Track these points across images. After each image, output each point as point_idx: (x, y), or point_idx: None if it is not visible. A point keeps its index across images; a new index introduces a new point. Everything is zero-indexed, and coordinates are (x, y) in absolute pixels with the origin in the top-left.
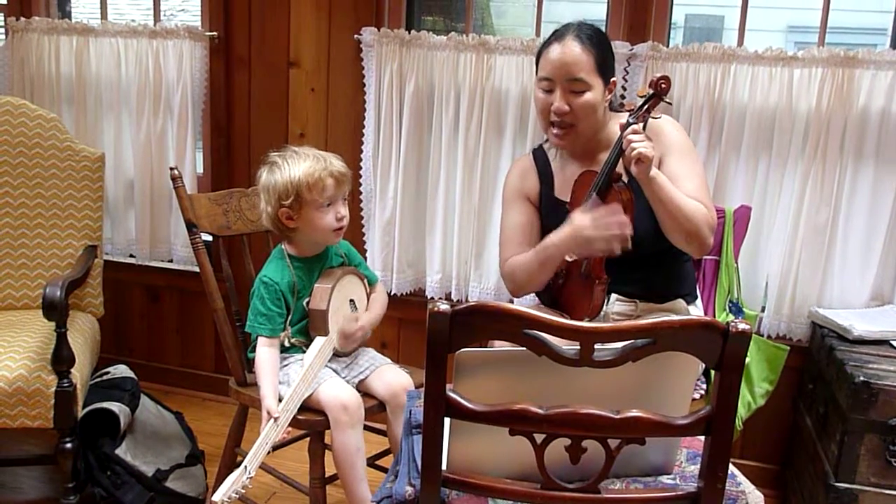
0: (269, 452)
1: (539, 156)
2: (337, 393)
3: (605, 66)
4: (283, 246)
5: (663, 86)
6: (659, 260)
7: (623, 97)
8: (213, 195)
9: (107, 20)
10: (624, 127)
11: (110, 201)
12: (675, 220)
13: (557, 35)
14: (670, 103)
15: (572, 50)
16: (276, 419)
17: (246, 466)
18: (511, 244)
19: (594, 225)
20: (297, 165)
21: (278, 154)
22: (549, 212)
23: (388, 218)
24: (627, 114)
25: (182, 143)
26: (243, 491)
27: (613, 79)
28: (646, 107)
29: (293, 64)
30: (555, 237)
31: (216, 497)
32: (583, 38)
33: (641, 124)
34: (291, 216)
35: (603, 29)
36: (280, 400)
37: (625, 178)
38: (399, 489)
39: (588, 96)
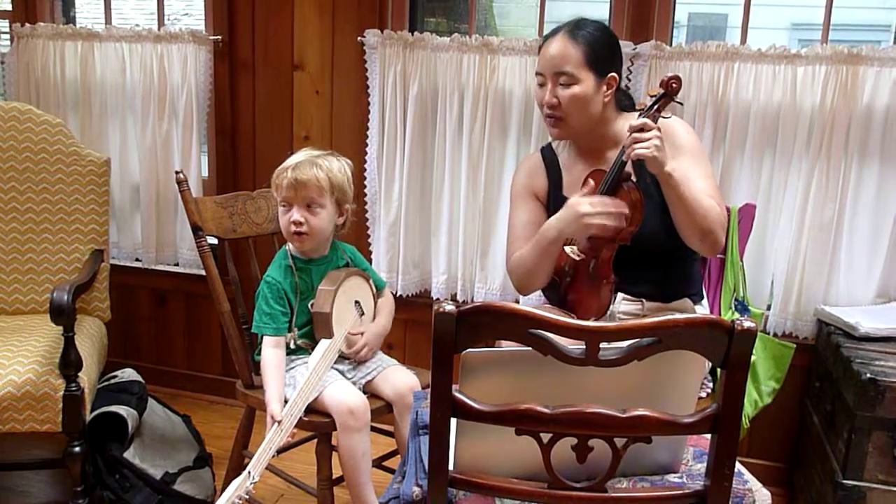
0: (273, 456)
1: (548, 154)
2: (344, 397)
3: (597, 60)
4: (286, 248)
5: (674, 85)
6: (667, 260)
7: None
8: (218, 198)
9: (111, 25)
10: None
11: (116, 206)
12: (691, 218)
13: (552, 31)
14: (681, 103)
15: (560, 45)
16: (279, 423)
17: (250, 472)
18: (518, 241)
19: (589, 201)
20: (286, 161)
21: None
22: (557, 210)
23: (393, 219)
24: (638, 113)
25: (187, 146)
26: (247, 496)
27: (613, 74)
28: (656, 106)
29: (297, 67)
30: (552, 220)
31: (219, 503)
32: (574, 34)
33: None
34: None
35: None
36: (285, 403)
37: (633, 178)
38: (406, 490)
39: (575, 89)
